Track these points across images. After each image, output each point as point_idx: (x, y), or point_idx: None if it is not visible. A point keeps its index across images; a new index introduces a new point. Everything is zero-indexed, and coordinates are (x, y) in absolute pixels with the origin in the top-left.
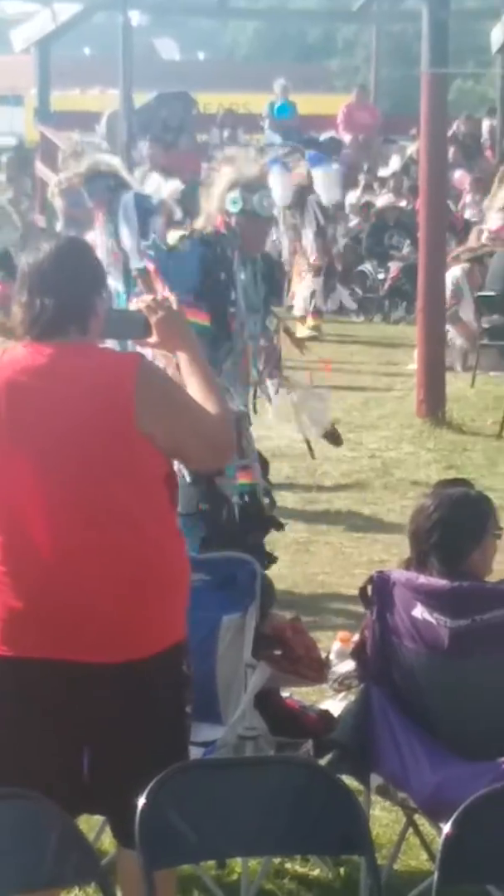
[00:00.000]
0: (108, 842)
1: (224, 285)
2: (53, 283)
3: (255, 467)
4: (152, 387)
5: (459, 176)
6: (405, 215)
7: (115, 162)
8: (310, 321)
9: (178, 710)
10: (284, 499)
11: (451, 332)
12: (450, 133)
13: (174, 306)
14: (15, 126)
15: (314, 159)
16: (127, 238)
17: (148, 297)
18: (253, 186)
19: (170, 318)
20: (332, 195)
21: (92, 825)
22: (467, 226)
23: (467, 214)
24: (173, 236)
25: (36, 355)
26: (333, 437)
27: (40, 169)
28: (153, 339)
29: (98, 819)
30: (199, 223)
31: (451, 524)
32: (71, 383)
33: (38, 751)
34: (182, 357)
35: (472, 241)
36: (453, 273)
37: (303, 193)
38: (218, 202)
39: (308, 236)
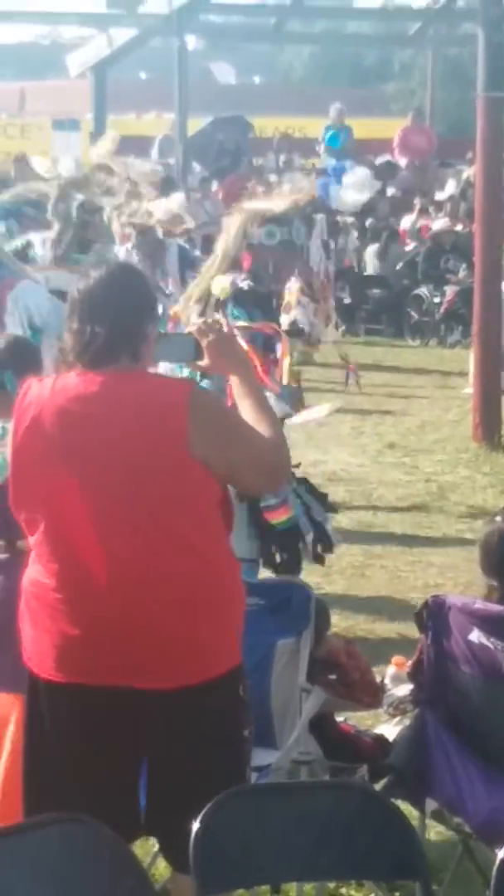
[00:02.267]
0: (162, 866)
1: None
2: (104, 311)
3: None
4: (205, 412)
5: None
6: (461, 239)
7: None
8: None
9: (235, 733)
10: (339, 522)
11: None
12: None
13: (225, 329)
14: (71, 150)
15: (338, 169)
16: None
17: (199, 321)
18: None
19: (221, 341)
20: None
21: (147, 850)
22: None
23: None
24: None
25: (88, 383)
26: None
27: None
28: (204, 361)
29: (153, 844)
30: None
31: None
32: (123, 410)
33: (93, 776)
34: (234, 380)
35: None
36: None
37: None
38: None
39: (314, 255)
